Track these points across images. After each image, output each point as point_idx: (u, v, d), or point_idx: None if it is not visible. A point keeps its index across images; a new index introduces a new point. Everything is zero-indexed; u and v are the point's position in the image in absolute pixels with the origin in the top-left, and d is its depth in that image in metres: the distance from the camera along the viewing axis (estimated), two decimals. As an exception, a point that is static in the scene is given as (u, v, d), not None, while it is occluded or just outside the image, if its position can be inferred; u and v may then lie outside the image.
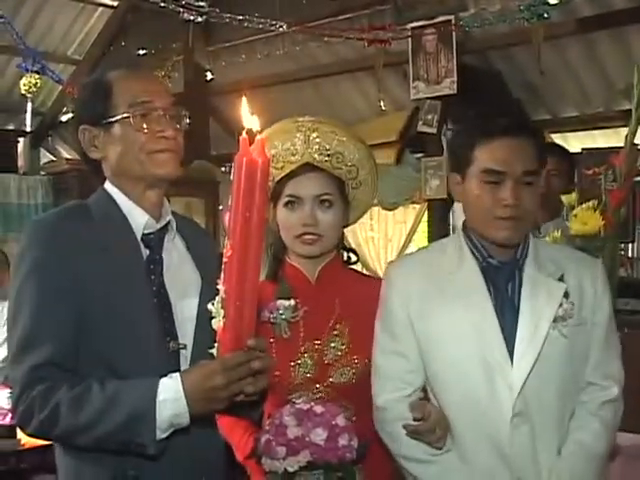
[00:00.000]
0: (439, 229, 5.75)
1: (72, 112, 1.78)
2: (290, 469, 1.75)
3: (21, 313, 1.57)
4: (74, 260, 1.59)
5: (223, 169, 7.56)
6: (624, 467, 2.24)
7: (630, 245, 6.22)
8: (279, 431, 1.78)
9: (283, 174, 2.02)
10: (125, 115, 1.65)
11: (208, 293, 1.58)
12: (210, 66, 7.20)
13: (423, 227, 6.35)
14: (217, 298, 1.47)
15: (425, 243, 6.22)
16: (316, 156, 2.02)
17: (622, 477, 2.20)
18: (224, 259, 1.45)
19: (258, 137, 1.44)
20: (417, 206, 6.52)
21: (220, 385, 1.47)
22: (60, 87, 7.58)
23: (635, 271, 6.17)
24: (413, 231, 6.78)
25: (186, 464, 1.64)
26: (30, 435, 1.60)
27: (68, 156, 8.83)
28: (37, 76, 5.08)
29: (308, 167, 2.02)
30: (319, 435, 1.76)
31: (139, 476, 1.58)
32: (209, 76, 7.24)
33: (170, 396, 1.49)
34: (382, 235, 7.22)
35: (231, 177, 1.45)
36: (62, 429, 1.52)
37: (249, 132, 1.43)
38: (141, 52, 7.55)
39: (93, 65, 8.22)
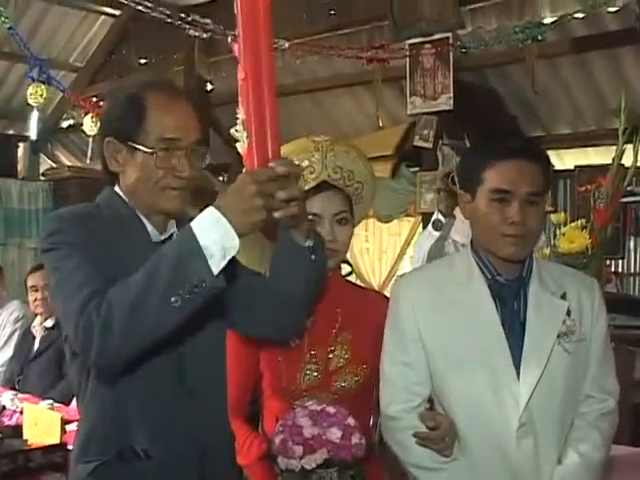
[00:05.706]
0: (433, 242, 5.82)
1: (99, 122, 1.80)
2: (307, 467, 1.81)
3: (65, 280, 1.59)
4: (98, 243, 1.63)
5: (221, 178, 7.63)
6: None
7: (620, 261, 6.33)
8: (294, 431, 1.84)
9: None
10: (150, 150, 1.68)
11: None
12: (210, 77, 7.28)
13: (417, 240, 6.41)
14: (238, 122, 1.51)
15: (419, 255, 6.28)
16: (332, 174, 2.07)
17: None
18: (239, 82, 1.47)
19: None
20: (412, 219, 6.59)
21: (253, 192, 1.48)
22: (61, 94, 7.64)
23: (624, 286, 6.26)
24: (407, 243, 6.83)
25: (191, 445, 1.70)
26: (97, 360, 1.55)
27: (68, 162, 8.88)
28: (43, 86, 5.15)
29: (324, 185, 2.06)
30: (335, 434, 1.82)
31: (146, 450, 1.65)
32: (209, 87, 7.33)
33: (207, 223, 1.49)
34: (377, 247, 7.28)
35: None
36: (119, 318, 1.50)
37: None
38: (142, 61, 7.64)
39: (94, 73, 8.32)
